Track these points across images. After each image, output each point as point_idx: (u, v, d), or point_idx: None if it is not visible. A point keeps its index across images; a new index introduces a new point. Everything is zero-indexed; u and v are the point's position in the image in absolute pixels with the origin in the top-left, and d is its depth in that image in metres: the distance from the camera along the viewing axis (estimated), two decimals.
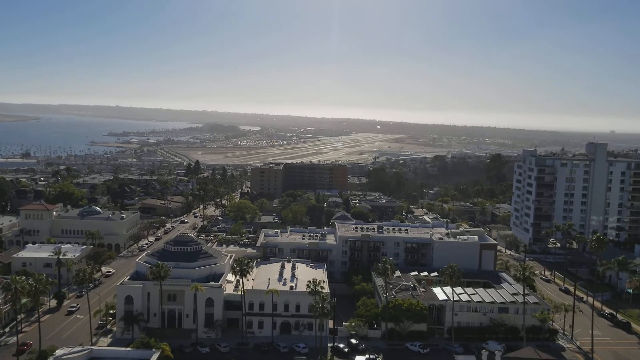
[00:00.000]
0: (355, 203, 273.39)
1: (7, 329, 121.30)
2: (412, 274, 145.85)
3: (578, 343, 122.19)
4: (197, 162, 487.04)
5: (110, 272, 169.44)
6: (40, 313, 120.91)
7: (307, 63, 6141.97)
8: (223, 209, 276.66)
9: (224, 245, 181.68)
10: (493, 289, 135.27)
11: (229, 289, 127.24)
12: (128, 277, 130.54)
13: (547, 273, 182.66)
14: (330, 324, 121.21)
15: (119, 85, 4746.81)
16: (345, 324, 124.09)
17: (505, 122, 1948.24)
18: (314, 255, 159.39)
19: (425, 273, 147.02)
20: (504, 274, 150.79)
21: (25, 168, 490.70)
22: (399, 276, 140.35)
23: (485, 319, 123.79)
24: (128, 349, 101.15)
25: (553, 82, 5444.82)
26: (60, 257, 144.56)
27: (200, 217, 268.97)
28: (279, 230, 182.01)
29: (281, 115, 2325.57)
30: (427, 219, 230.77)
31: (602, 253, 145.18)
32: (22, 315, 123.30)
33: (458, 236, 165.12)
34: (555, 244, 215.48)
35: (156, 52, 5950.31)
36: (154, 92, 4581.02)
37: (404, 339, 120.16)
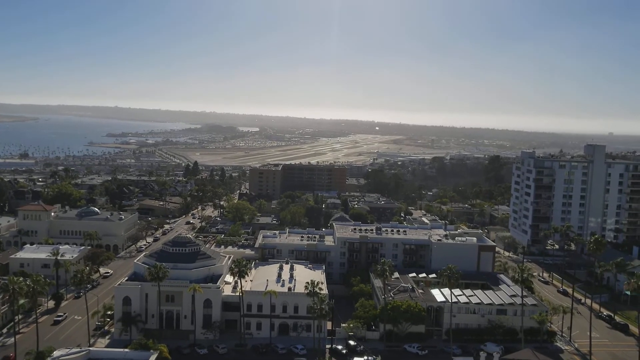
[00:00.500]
0: (354, 204, 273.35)
1: (4, 330, 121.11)
2: (411, 275, 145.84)
3: (576, 345, 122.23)
4: (195, 163, 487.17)
5: (108, 273, 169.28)
6: (38, 314, 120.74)
7: (306, 64, 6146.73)
8: (221, 210, 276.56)
9: (223, 247, 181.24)
10: (491, 290, 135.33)
11: (227, 290, 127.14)
12: (126, 278, 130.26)
13: (546, 275, 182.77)
14: (329, 325, 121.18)
15: (118, 86, 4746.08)
16: (344, 325, 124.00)
17: (504, 123, 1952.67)
18: (312, 257, 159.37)
19: (424, 274, 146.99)
20: (502, 276, 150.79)
21: (24, 168, 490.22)
22: (397, 278, 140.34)
23: (484, 320, 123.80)
24: (126, 350, 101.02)
25: (551, 84, 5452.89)
26: (58, 258, 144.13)
27: (198, 218, 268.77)
28: (277, 232, 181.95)
29: (280, 116, 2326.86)
30: (426, 221, 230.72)
31: (600, 255, 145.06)
32: (20, 316, 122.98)
33: (456, 238, 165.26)
34: (553, 245, 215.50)
35: (155, 52, 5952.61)
36: (152, 93, 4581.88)
37: (402, 340, 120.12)
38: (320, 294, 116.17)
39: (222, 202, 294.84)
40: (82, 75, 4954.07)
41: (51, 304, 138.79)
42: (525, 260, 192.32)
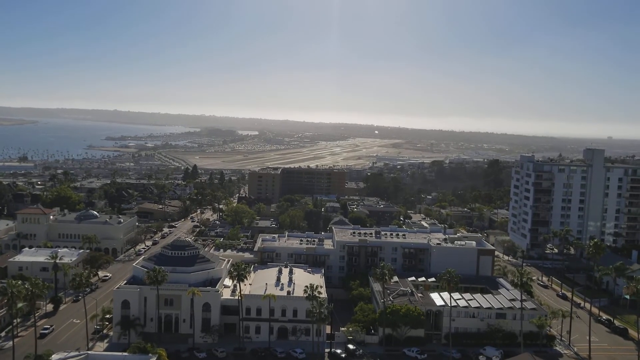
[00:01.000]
0: (353, 208, 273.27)
1: (2, 334, 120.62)
2: (410, 279, 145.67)
3: (575, 349, 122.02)
4: (194, 166, 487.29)
5: (107, 276, 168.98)
6: (36, 317, 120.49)
7: (305, 68, 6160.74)
8: (220, 214, 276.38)
9: (222, 250, 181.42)
10: (491, 294, 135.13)
11: (226, 294, 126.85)
12: (125, 281, 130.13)
13: (545, 279, 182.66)
14: (328, 329, 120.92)
15: (118, 89, 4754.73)
16: (343, 329, 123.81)
17: (503, 127, 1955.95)
18: (311, 260, 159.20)
19: (423, 278, 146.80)
20: (501, 280, 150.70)
21: (23, 172, 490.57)
22: (396, 281, 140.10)
23: (483, 324, 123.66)
24: (124, 353, 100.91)
25: (551, 88, 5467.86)
26: (57, 261, 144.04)
27: (197, 222, 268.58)
28: (276, 235, 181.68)
29: (279, 120, 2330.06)
30: (425, 224, 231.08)
31: (599, 259, 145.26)
32: (18, 320, 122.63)
33: (456, 241, 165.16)
34: (552, 249, 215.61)
35: (155, 56, 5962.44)
36: (152, 96, 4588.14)
37: (402, 344, 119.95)
38: (320, 297, 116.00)
39: (221, 206, 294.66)
40: (81, 78, 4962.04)
41: (50, 307, 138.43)
42: (524, 264, 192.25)
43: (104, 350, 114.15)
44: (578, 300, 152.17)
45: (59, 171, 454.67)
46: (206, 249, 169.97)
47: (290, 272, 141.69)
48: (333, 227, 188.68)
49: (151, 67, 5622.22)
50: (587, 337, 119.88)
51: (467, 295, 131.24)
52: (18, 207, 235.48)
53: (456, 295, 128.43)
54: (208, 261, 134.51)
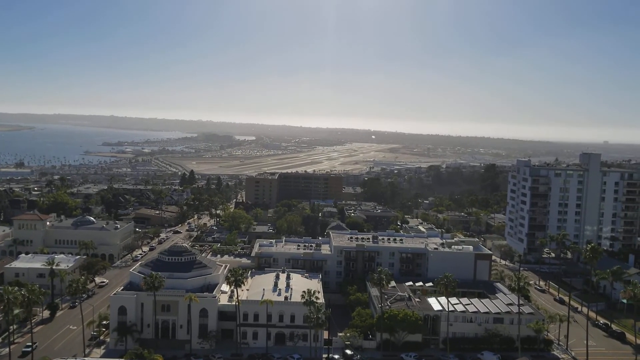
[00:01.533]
0: (350, 213, 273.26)
1: None
2: (407, 284, 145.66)
3: (573, 353, 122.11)
4: (191, 171, 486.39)
5: (103, 282, 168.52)
6: (33, 324, 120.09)
7: (302, 73, 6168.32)
8: (218, 219, 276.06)
9: (219, 256, 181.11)
10: (488, 299, 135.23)
11: (224, 300, 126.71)
12: (122, 287, 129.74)
13: (542, 283, 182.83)
14: (325, 334, 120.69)
15: (114, 95, 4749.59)
16: (340, 334, 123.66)
17: (500, 132, 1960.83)
18: (308, 266, 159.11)
19: (420, 283, 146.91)
20: (498, 284, 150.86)
21: (19, 178, 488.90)
22: (394, 286, 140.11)
23: (481, 329, 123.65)
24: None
25: (547, 92, 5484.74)
26: (54, 267, 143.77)
27: (195, 227, 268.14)
28: (273, 240, 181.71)
29: (276, 125, 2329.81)
30: (422, 229, 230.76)
31: (596, 263, 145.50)
32: (15, 326, 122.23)
33: (453, 246, 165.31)
34: (549, 254, 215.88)
35: (151, 61, 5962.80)
36: (149, 101, 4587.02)
37: (399, 349, 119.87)
38: (317, 303, 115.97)
39: (218, 211, 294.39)
40: (78, 84, 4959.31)
41: (46, 313, 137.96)
42: (521, 268, 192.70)
43: (101, 357, 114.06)
44: (575, 305, 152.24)
45: (56, 177, 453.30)
46: (203, 255, 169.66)
47: (288, 278, 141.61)
48: (330, 232, 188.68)
49: (148, 73, 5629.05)
50: (585, 342, 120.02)
51: (465, 300, 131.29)
52: (14, 213, 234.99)
53: (454, 300, 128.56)
54: (205, 267, 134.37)
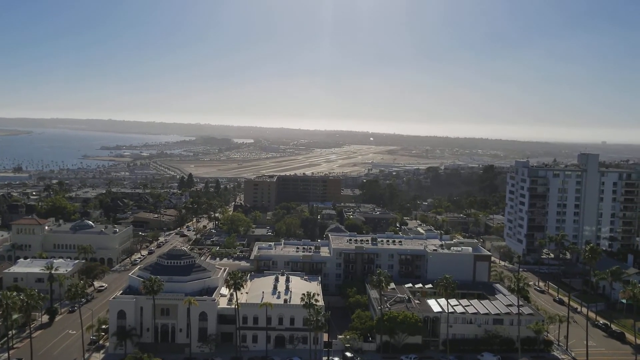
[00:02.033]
0: (349, 215, 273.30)
1: None
2: (407, 285, 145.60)
3: (573, 354, 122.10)
4: (190, 175, 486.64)
5: (102, 286, 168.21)
6: (32, 329, 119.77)
7: (299, 75, 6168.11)
8: (216, 222, 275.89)
9: (218, 259, 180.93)
10: (487, 300, 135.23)
11: (223, 303, 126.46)
12: (121, 291, 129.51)
13: (541, 284, 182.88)
14: (325, 337, 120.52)
15: (112, 99, 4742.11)
16: (340, 337, 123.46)
17: (498, 133, 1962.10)
18: (308, 268, 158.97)
19: (420, 285, 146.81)
20: (498, 285, 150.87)
21: (17, 182, 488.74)
22: (393, 288, 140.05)
23: (480, 330, 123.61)
24: None
25: (545, 93, 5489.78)
26: (52, 272, 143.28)
27: (193, 230, 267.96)
28: (272, 243, 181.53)
29: (274, 127, 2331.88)
30: (421, 231, 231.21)
31: (595, 263, 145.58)
32: (14, 331, 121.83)
33: (452, 247, 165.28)
34: (548, 254, 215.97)
35: (148, 65, 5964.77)
36: (146, 105, 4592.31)
37: (399, 351, 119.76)
38: (317, 305, 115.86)
39: (217, 214, 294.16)
40: (75, 88, 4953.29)
41: (45, 318, 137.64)
42: (520, 269, 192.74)
43: None
44: (575, 305, 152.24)
45: (54, 181, 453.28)
46: (202, 258, 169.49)
47: (287, 280, 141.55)
48: (329, 235, 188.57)
49: (146, 77, 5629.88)
50: (585, 342, 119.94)
51: (464, 302, 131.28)
52: (13, 218, 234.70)
53: (453, 301, 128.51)
54: (204, 270, 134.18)
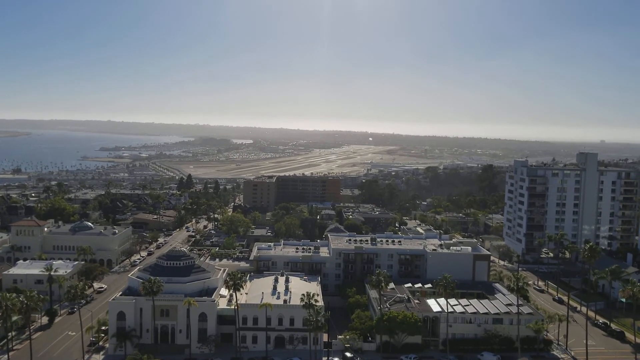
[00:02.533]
0: (348, 215, 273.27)
1: None
2: (406, 285, 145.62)
3: (572, 353, 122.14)
4: (189, 176, 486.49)
5: (102, 288, 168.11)
6: (31, 330, 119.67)
7: (298, 75, 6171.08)
8: (216, 223, 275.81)
9: (217, 259, 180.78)
10: (487, 299, 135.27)
11: (223, 304, 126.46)
12: (120, 292, 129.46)
13: (541, 283, 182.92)
14: (325, 337, 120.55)
15: (111, 100, 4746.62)
16: (340, 337, 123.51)
17: (497, 133, 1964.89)
18: (307, 268, 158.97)
19: (419, 285, 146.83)
20: (497, 285, 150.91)
21: (16, 184, 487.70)
22: (392, 288, 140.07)
23: (480, 330, 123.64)
24: None
25: (543, 92, 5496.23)
26: (52, 273, 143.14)
27: (193, 231, 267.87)
28: (272, 244, 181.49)
29: (273, 128, 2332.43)
30: (420, 231, 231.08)
31: (594, 262, 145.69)
32: (13, 333, 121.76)
33: (451, 247, 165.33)
34: (548, 253, 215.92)
35: (148, 66, 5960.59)
36: (146, 106, 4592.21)
37: (399, 351, 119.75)
38: (316, 305, 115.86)
39: (216, 215, 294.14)
40: (75, 89, 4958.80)
41: (45, 320, 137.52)
42: (520, 268, 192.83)
43: None
44: (574, 304, 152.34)
45: (53, 183, 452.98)
46: (202, 259, 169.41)
47: (287, 281, 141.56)
48: (329, 235, 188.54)
49: (145, 78, 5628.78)
50: (584, 341, 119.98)
51: (464, 301, 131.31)
52: (12, 220, 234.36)
53: (453, 301, 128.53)
54: (204, 271, 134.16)
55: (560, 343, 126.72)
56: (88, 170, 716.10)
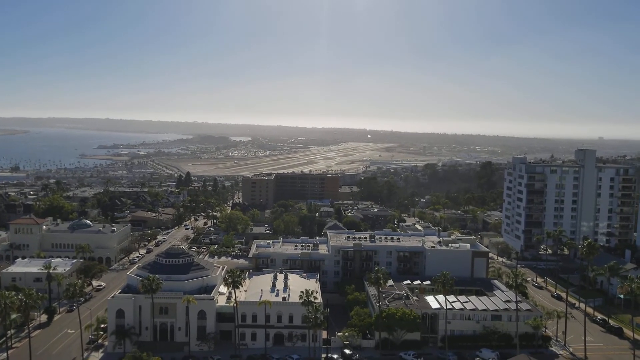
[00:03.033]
0: (347, 212, 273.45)
1: None
2: (405, 282, 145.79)
3: (571, 349, 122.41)
4: (188, 173, 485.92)
5: (101, 285, 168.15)
6: (30, 328, 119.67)
7: (296, 73, 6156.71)
8: (214, 221, 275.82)
9: (216, 257, 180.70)
10: (486, 296, 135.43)
11: (222, 301, 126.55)
12: (119, 290, 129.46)
13: (539, 280, 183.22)
14: (324, 334, 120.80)
15: (109, 97, 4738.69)
16: (339, 334, 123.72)
17: (495, 130, 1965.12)
18: (306, 266, 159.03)
19: (418, 282, 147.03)
20: (496, 282, 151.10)
21: (15, 182, 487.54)
22: (391, 285, 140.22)
23: (479, 326, 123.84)
24: None
25: (542, 89, 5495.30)
26: (51, 271, 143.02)
27: (191, 229, 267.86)
28: (271, 241, 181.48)
29: (272, 125, 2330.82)
30: (419, 228, 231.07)
31: (593, 259, 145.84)
32: (12, 331, 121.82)
33: (450, 244, 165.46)
34: (546, 250, 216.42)
35: (146, 64, 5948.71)
36: (144, 104, 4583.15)
37: (398, 348, 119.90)
38: (315, 303, 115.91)
39: (215, 213, 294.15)
40: (73, 87, 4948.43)
41: (44, 318, 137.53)
42: (518, 265, 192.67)
43: None
44: (573, 301, 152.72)
45: (52, 181, 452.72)
46: (200, 256, 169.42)
47: (286, 278, 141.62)
48: (327, 232, 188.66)
49: (143, 75, 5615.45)
50: (583, 337, 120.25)
51: (463, 298, 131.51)
52: (10, 218, 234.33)
53: (451, 297, 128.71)
54: (203, 268, 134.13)
55: (558, 339, 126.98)
56: (86, 168, 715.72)
